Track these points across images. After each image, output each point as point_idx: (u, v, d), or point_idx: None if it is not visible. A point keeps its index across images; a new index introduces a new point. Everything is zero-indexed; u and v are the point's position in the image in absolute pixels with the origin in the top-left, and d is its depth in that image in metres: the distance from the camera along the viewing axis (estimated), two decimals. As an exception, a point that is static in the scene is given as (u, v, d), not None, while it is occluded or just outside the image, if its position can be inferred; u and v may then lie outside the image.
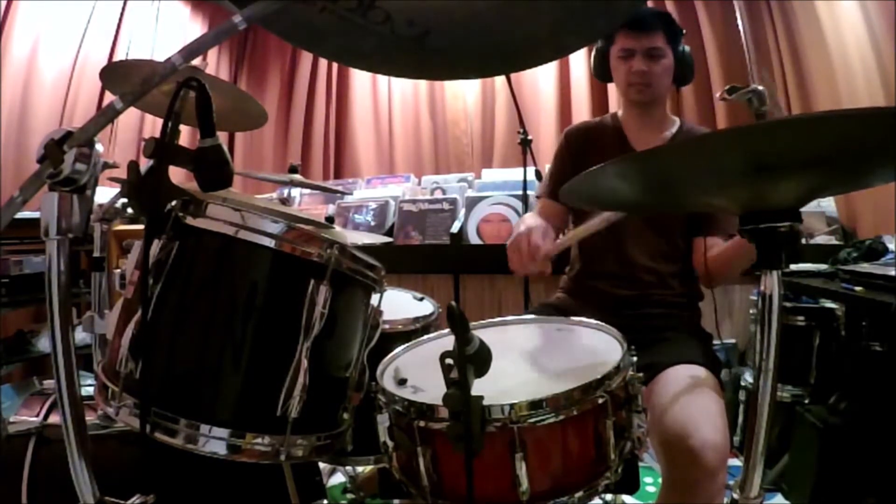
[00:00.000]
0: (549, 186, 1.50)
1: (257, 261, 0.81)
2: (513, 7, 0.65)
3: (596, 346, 0.95)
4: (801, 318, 1.98)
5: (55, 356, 0.67)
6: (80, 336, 1.41)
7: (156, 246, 0.78)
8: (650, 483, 1.79)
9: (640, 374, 0.85)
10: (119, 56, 3.09)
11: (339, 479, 2.04)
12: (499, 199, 2.66)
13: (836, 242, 2.34)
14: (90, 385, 1.20)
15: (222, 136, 0.73)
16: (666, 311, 1.36)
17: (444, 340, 1.06)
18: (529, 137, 1.95)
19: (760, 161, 0.54)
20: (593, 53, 1.48)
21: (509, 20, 0.66)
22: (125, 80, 1.31)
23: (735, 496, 0.69)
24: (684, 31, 1.39)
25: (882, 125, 0.49)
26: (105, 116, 0.65)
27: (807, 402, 1.90)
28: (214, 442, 0.76)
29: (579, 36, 0.73)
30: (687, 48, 1.39)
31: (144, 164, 0.71)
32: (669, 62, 1.36)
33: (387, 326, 1.13)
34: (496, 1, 0.65)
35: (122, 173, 0.88)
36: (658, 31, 1.33)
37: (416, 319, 1.27)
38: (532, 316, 1.23)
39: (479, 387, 0.65)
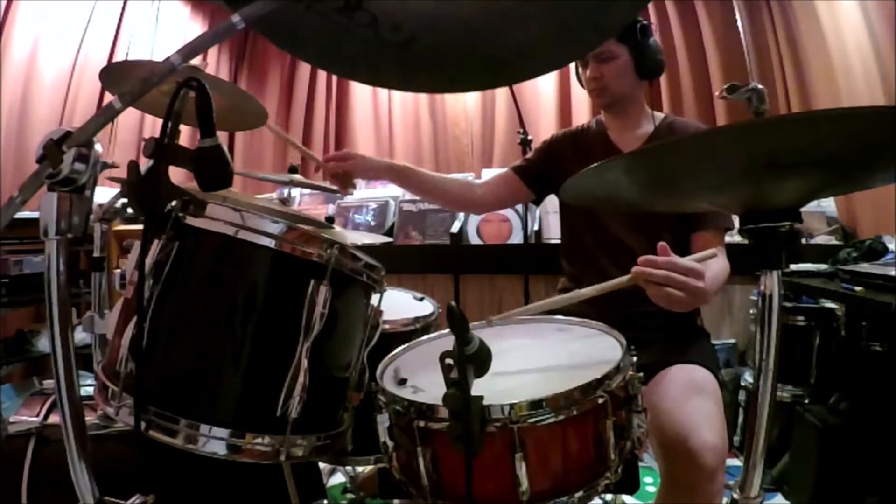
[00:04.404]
0: (521, 164, 1.57)
1: (257, 261, 0.81)
2: (502, 16, 0.63)
3: (596, 346, 0.95)
4: (801, 318, 1.98)
5: (55, 356, 0.67)
6: (80, 336, 1.41)
7: (156, 246, 0.78)
8: (650, 483, 1.78)
9: (640, 374, 0.85)
10: (119, 56, 3.08)
11: (339, 479, 2.04)
12: (499, 199, 2.65)
13: (836, 242, 2.33)
14: (90, 385, 1.20)
15: (222, 136, 0.73)
16: (663, 310, 1.35)
17: (444, 340, 1.06)
18: (529, 137, 1.95)
19: (772, 157, 0.53)
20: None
21: (498, 29, 0.64)
22: (125, 80, 1.30)
23: (735, 496, 0.69)
24: (645, 22, 1.34)
25: (891, 124, 0.48)
26: (105, 116, 0.65)
27: (807, 402, 1.90)
28: (214, 442, 0.76)
29: (572, 47, 0.69)
30: (652, 39, 1.35)
31: (144, 164, 0.71)
32: (624, 61, 1.34)
33: (387, 326, 1.13)
34: (485, 4, 0.62)
35: (122, 173, 0.87)
36: None
37: (416, 319, 1.27)
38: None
39: (479, 387, 0.65)
